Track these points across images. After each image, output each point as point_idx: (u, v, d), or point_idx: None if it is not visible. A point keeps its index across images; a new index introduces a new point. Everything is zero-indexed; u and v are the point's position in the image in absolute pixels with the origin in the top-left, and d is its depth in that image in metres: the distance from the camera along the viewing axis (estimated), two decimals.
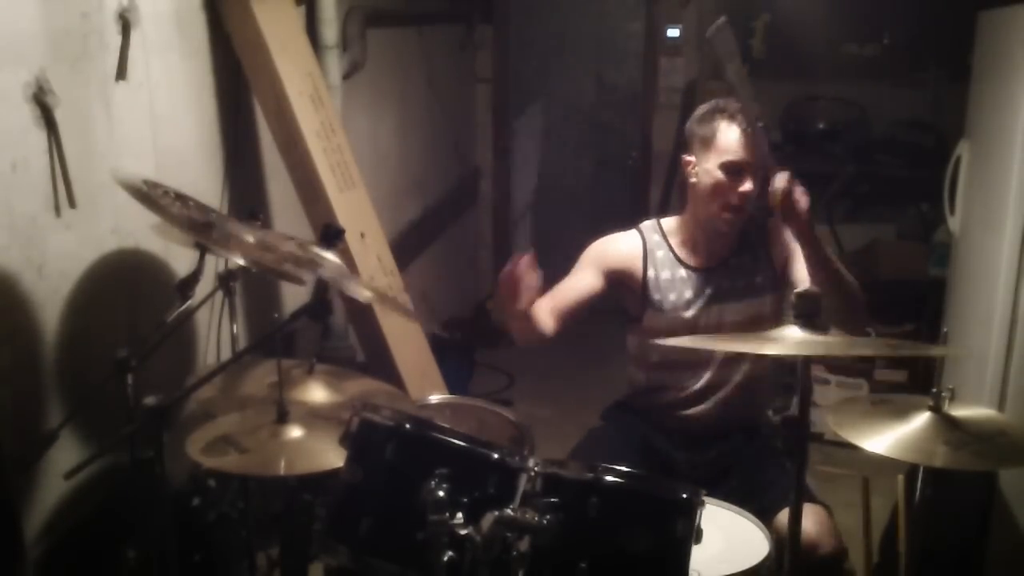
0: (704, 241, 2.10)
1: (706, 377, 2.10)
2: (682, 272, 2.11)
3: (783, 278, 2.07)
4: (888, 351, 1.49)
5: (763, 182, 1.91)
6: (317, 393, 1.92)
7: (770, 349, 1.46)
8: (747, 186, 1.98)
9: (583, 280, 2.11)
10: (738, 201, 1.99)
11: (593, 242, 2.16)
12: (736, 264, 2.10)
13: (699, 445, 2.10)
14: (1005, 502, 2.55)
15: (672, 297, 2.10)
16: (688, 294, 2.09)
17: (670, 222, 2.16)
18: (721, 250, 2.11)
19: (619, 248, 2.14)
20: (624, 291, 2.13)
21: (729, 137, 1.98)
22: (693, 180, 2.05)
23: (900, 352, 1.52)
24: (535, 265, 1.86)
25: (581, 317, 2.11)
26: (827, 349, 1.47)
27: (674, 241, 2.13)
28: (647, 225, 2.17)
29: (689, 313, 2.08)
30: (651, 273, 2.11)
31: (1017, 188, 2.49)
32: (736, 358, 2.09)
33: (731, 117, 1.98)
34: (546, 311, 2.05)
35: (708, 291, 2.08)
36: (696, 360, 2.10)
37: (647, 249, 2.13)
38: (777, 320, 2.04)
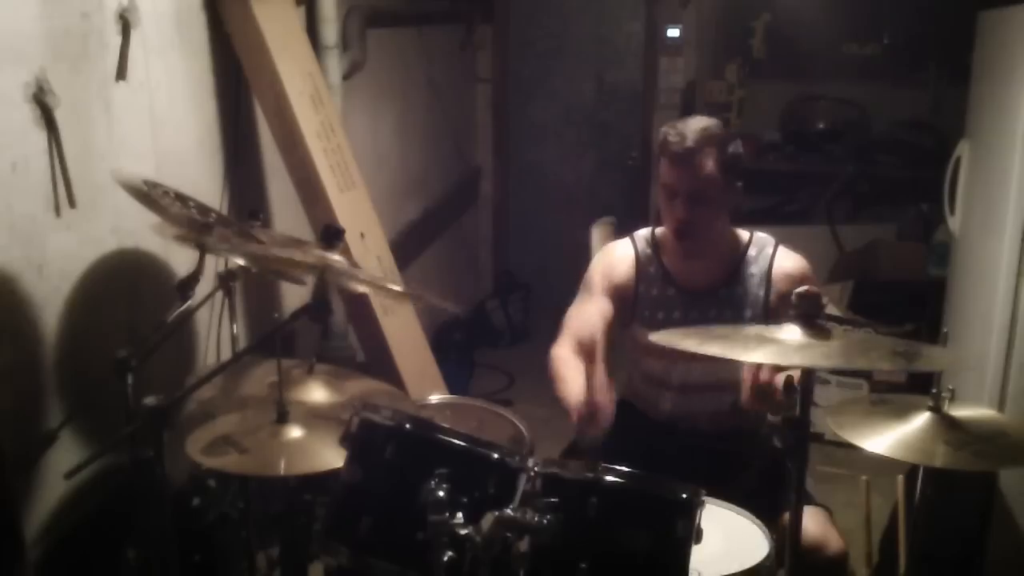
0: (688, 260, 2.07)
1: (671, 399, 2.10)
2: (671, 291, 2.08)
3: (776, 316, 1.98)
4: (890, 363, 1.49)
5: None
6: (317, 393, 1.92)
7: (770, 354, 1.46)
8: (679, 212, 1.94)
9: (596, 307, 2.06)
10: (673, 225, 1.97)
11: (591, 257, 2.16)
12: (727, 295, 2.05)
13: (696, 448, 2.10)
14: (1005, 502, 2.55)
15: (660, 316, 2.08)
16: (675, 315, 2.07)
17: (663, 233, 2.11)
18: (712, 275, 2.06)
19: (614, 263, 2.13)
20: (619, 302, 2.12)
21: (663, 163, 1.96)
22: None
23: (901, 366, 1.51)
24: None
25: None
26: (826, 359, 1.46)
27: (666, 256, 2.10)
28: (641, 236, 2.15)
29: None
30: (642, 288, 2.10)
31: (1017, 188, 2.49)
32: (703, 387, 2.06)
33: (666, 142, 1.93)
34: (574, 356, 1.97)
35: (694, 315, 2.05)
36: (660, 379, 2.10)
37: (639, 263, 2.11)
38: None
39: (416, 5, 4.02)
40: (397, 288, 1.99)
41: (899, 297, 3.99)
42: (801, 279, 2.00)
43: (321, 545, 1.47)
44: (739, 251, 2.07)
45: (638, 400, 2.21)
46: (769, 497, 1.89)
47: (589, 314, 2.05)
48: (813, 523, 1.83)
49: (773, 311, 2.01)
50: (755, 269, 2.05)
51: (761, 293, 2.03)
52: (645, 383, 2.18)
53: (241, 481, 1.94)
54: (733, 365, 1.98)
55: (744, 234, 2.10)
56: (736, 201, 2.02)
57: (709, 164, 1.91)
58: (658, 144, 1.99)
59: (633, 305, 2.11)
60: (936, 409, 1.54)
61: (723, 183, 1.94)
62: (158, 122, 2.17)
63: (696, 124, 1.94)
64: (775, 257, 2.04)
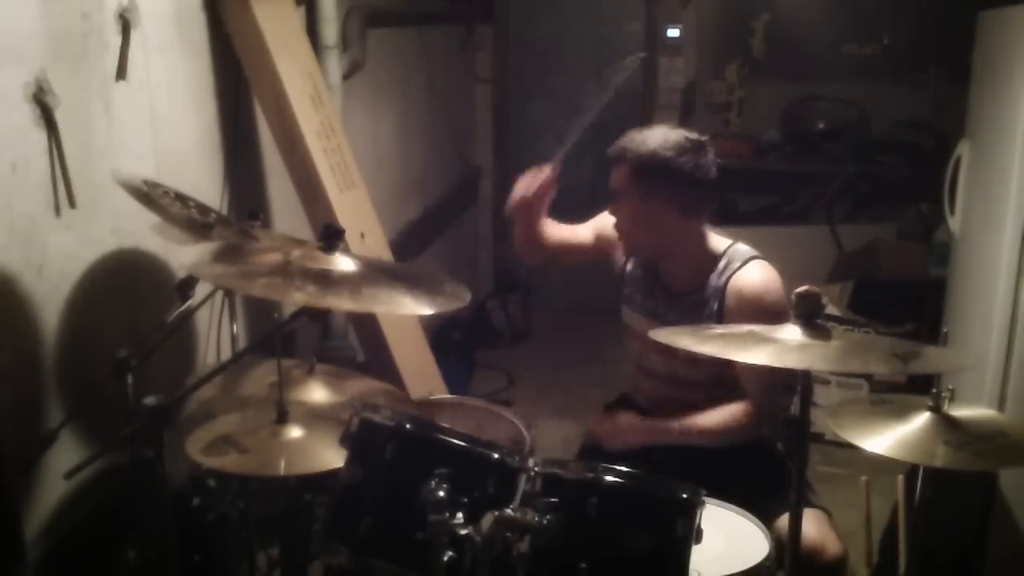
0: (661, 264, 2.13)
1: (660, 389, 2.14)
2: (650, 280, 2.15)
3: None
4: (888, 367, 1.49)
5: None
6: (317, 393, 1.92)
7: (769, 356, 1.46)
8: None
9: (584, 232, 2.28)
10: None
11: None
12: (689, 301, 2.05)
13: (693, 448, 2.09)
14: (1005, 502, 2.55)
15: (638, 298, 2.16)
16: (648, 303, 2.14)
17: None
18: (685, 279, 2.08)
19: None
20: (608, 262, 2.25)
21: None
22: None
23: (898, 370, 1.52)
24: (551, 184, 2.14)
25: (566, 259, 2.31)
26: (824, 361, 1.46)
27: None
28: None
29: (644, 320, 2.12)
30: (629, 266, 2.19)
31: (1017, 188, 2.49)
32: (688, 379, 2.09)
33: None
34: (550, 232, 2.27)
35: (660, 311, 2.10)
36: (649, 369, 2.16)
37: None
38: (711, 374, 2.02)
39: (416, 5, 4.02)
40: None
41: (899, 297, 3.99)
42: (751, 302, 1.96)
43: (321, 545, 1.47)
44: (711, 261, 2.05)
45: (635, 392, 2.25)
46: (767, 498, 1.89)
47: (577, 228, 2.30)
48: (811, 526, 1.83)
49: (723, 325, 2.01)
50: (717, 281, 2.03)
51: (715, 306, 2.02)
52: (634, 368, 2.24)
53: (241, 481, 1.94)
54: (694, 369, 2.05)
55: (723, 244, 2.07)
56: (671, 218, 2.00)
57: (619, 172, 2.03)
58: None
59: (620, 280, 2.21)
60: (936, 409, 1.54)
61: (635, 193, 2.00)
62: (158, 122, 2.17)
63: (635, 137, 2.03)
64: (736, 273, 2.01)
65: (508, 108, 5.34)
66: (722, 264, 2.03)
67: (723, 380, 1.99)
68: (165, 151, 2.20)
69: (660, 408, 2.13)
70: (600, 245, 2.24)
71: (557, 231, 2.28)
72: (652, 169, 1.96)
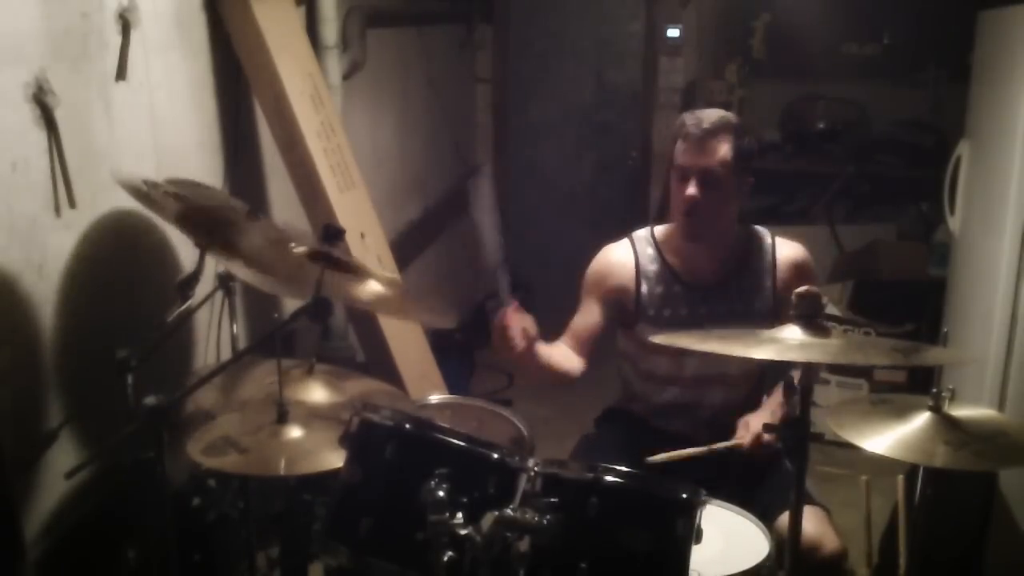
0: (693, 253, 2.09)
1: (675, 393, 2.12)
2: (677, 288, 2.09)
3: (782, 304, 2.03)
4: (889, 359, 1.49)
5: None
6: (317, 393, 1.92)
7: (771, 352, 1.46)
8: (689, 190, 1.97)
9: (591, 313, 2.13)
10: (682, 205, 1.99)
11: (591, 258, 2.17)
12: (736, 287, 2.08)
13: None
14: (1005, 502, 2.55)
15: (667, 313, 2.09)
16: (683, 311, 2.08)
17: (663, 231, 2.14)
18: (719, 269, 2.08)
19: (611, 267, 2.13)
20: (619, 306, 2.13)
21: (679, 145, 2.01)
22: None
23: (899, 362, 1.52)
24: (520, 312, 1.94)
25: (601, 343, 2.15)
26: (825, 354, 1.46)
27: (669, 254, 2.11)
28: (640, 236, 2.15)
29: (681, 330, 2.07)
30: (644, 289, 2.10)
31: (1017, 188, 2.49)
32: (709, 380, 2.09)
33: (683, 125, 2.00)
34: (567, 350, 2.11)
35: (703, 311, 2.07)
36: (667, 375, 2.12)
37: (639, 264, 2.11)
38: None
39: (416, 5, 4.02)
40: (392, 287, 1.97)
41: (899, 297, 3.98)
42: (804, 265, 2.10)
43: (321, 545, 1.47)
44: (743, 244, 2.11)
45: (636, 404, 2.21)
46: (766, 496, 1.89)
47: (581, 317, 2.14)
48: (810, 522, 1.83)
49: (780, 299, 2.05)
50: (759, 260, 2.09)
51: (768, 283, 2.07)
52: (648, 383, 2.17)
53: (241, 481, 1.94)
54: (738, 359, 2.02)
55: (745, 228, 2.14)
56: (746, 194, 2.06)
57: (723, 148, 1.98)
58: (675, 128, 2.04)
59: (636, 306, 2.10)
60: (936, 409, 1.54)
61: (734, 169, 1.99)
62: (158, 122, 2.17)
63: (715, 112, 2.04)
64: (776, 246, 2.11)
65: (508, 108, 5.34)
66: (756, 244, 2.11)
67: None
68: (165, 151, 2.20)
69: (672, 414, 2.13)
70: (610, 302, 2.11)
71: (580, 336, 2.12)
72: (747, 147, 2.01)
